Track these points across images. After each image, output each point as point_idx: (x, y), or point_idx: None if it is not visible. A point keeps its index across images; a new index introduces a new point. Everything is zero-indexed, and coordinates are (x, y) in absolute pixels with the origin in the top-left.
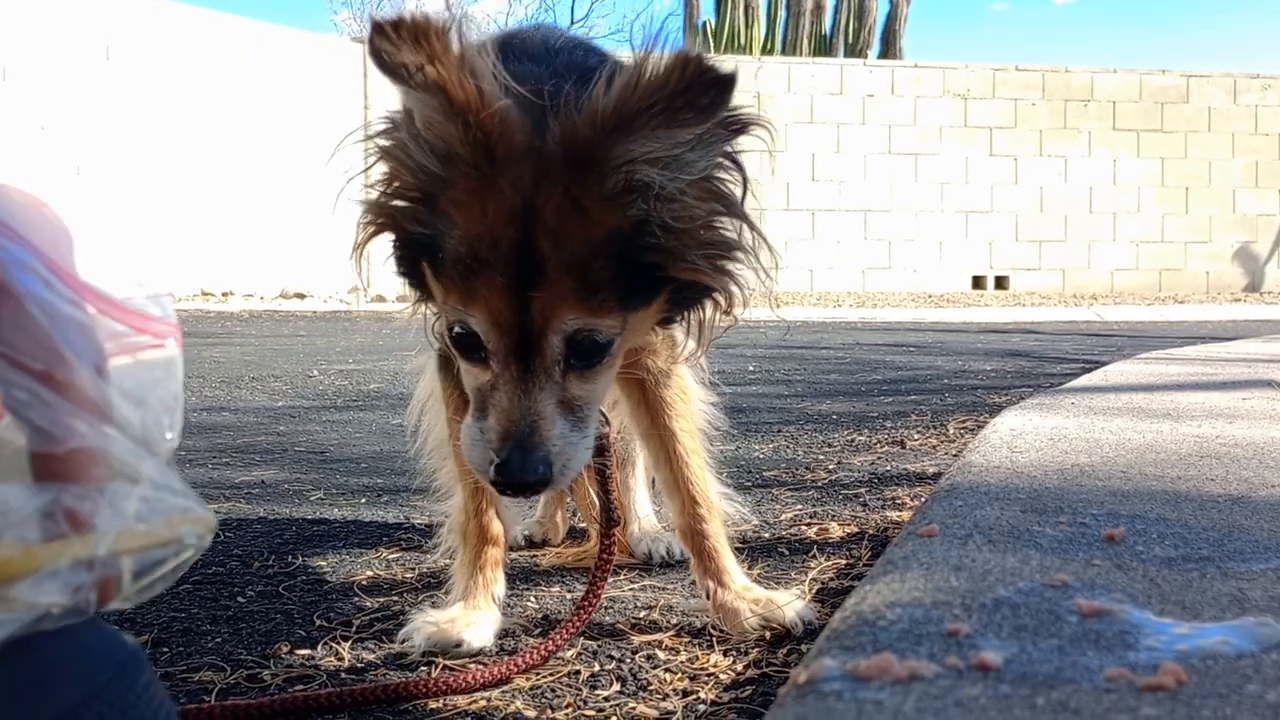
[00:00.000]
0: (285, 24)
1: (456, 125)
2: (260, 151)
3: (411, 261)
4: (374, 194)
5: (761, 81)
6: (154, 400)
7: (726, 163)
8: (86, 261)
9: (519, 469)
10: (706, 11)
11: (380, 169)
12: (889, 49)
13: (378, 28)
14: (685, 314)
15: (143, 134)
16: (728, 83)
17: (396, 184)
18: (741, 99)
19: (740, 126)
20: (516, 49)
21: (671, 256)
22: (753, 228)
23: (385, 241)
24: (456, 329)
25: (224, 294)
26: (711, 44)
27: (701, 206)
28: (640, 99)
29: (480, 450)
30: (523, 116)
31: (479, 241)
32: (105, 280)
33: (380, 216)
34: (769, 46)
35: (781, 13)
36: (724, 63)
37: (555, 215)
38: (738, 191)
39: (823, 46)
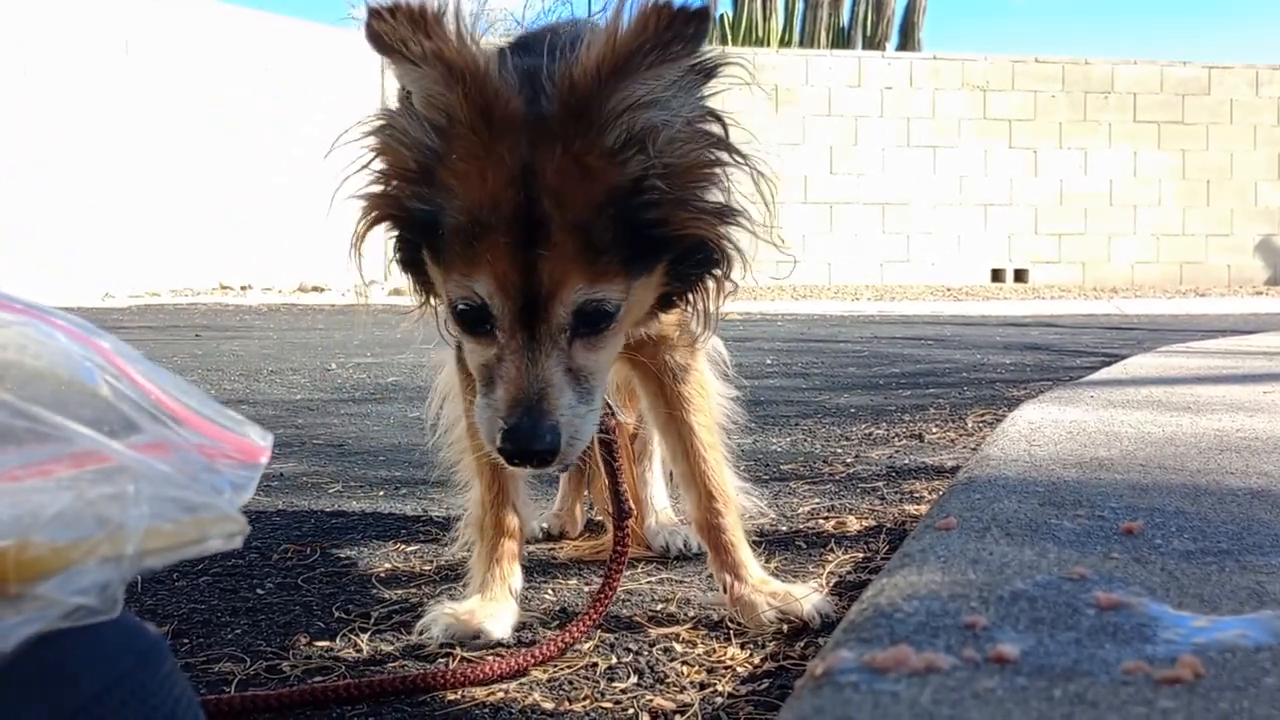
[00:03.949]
0: (303, 18)
1: (456, 93)
2: (278, 145)
3: (413, 248)
4: (372, 187)
5: (779, 74)
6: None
7: (706, 113)
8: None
9: (528, 435)
10: (724, 4)
11: (377, 163)
12: (907, 41)
13: (374, 13)
14: (686, 292)
15: (162, 128)
16: (704, 12)
17: (394, 167)
18: (759, 91)
19: (712, 68)
20: (531, 45)
21: (674, 207)
22: (751, 167)
23: (391, 234)
24: (461, 304)
25: (243, 288)
26: (729, 36)
27: (697, 149)
28: (629, 40)
29: (490, 421)
30: (520, 85)
31: (480, 208)
32: (214, 412)
33: (379, 204)
34: (786, 38)
35: (799, 4)
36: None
37: (556, 175)
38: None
39: (840, 38)
